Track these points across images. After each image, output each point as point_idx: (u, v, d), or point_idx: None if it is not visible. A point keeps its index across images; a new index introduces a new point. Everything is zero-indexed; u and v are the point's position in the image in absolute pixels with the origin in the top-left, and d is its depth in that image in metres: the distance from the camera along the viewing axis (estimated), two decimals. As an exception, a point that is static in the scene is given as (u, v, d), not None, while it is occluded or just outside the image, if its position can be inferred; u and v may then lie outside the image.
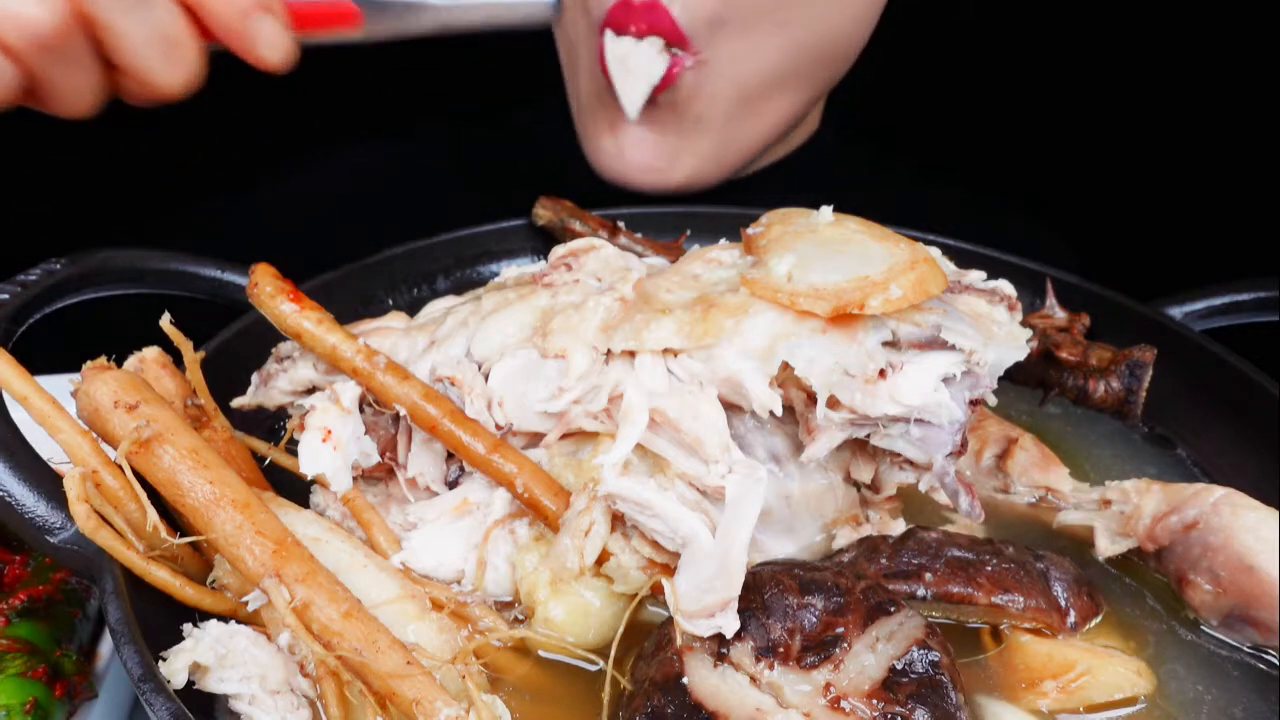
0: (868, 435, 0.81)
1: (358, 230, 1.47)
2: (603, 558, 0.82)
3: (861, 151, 1.70)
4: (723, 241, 0.99)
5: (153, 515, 0.74)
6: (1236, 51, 1.86)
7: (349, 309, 1.14)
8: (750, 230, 0.91)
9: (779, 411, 0.79)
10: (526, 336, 0.90)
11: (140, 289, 1.09)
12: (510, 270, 1.09)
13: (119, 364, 0.85)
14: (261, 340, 1.00)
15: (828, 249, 0.82)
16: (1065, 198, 1.96)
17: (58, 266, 1.00)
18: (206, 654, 0.72)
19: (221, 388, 0.94)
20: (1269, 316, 1.20)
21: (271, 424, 1.04)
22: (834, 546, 0.88)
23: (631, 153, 1.35)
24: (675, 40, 1.24)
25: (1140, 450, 1.10)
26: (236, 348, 1.03)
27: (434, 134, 1.81)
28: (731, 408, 0.82)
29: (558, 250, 0.99)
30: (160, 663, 0.71)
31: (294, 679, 0.74)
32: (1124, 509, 0.93)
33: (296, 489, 0.91)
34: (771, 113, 1.40)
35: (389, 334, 0.97)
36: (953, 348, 0.78)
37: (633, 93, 1.28)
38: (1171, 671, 0.83)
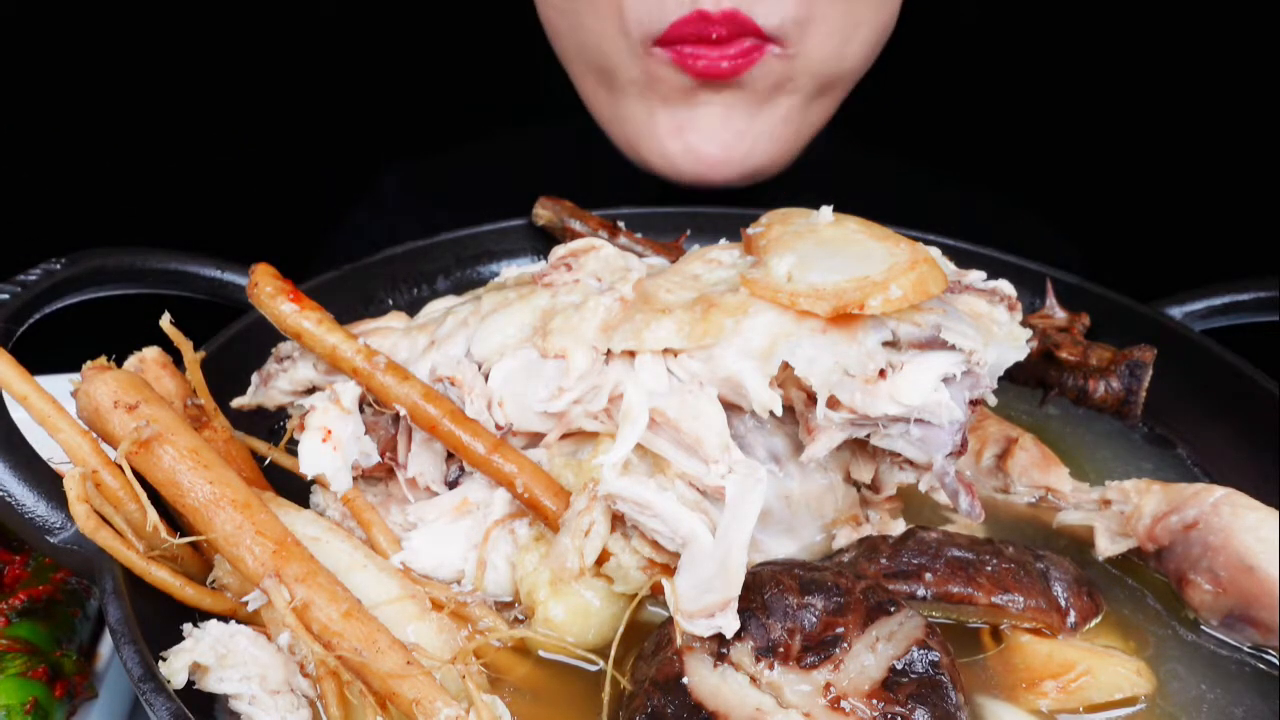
0: (868, 435, 0.81)
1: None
2: (603, 558, 0.82)
3: (861, 152, 1.70)
4: (723, 241, 0.99)
5: (153, 515, 0.74)
6: (1237, 51, 1.86)
7: (349, 309, 1.14)
8: (750, 230, 0.91)
9: (779, 411, 0.79)
10: (526, 336, 0.90)
11: (140, 289, 1.09)
12: (510, 270, 1.09)
13: (119, 364, 0.85)
14: (261, 340, 1.00)
15: (828, 249, 0.82)
16: (1066, 198, 1.96)
17: (58, 266, 1.00)
18: (206, 654, 0.72)
19: (221, 388, 0.94)
20: (1269, 316, 1.20)
21: (271, 424, 1.04)
22: (834, 546, 0.88)
23: (708, 146, 1.32)
24: (760, 38, 1.24)
25: (1140, 450, 1.10)
26: (236, 348, 1.03)
27: (441, 149, 1.82)
28: (731, 408, 0.82)
29: (558, 250, 0.99)
30: (160, 663, 0.71)
31: (294, 679, 0.74)
32: (1124, 509, 0.93)
33: (296, 489, 0.91)
34: (831, 102, 1.41)
35: (389, 334, 0.97)
36: (953, 348, 0.78)
37: None
38: (1172, 671, 0.83)
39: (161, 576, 0.75)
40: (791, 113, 1.35)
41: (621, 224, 1.23)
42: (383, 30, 2.18)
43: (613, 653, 0.75)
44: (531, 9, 1.43)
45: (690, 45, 1.24)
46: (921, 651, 0.73)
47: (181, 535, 0.76)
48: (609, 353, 0.85)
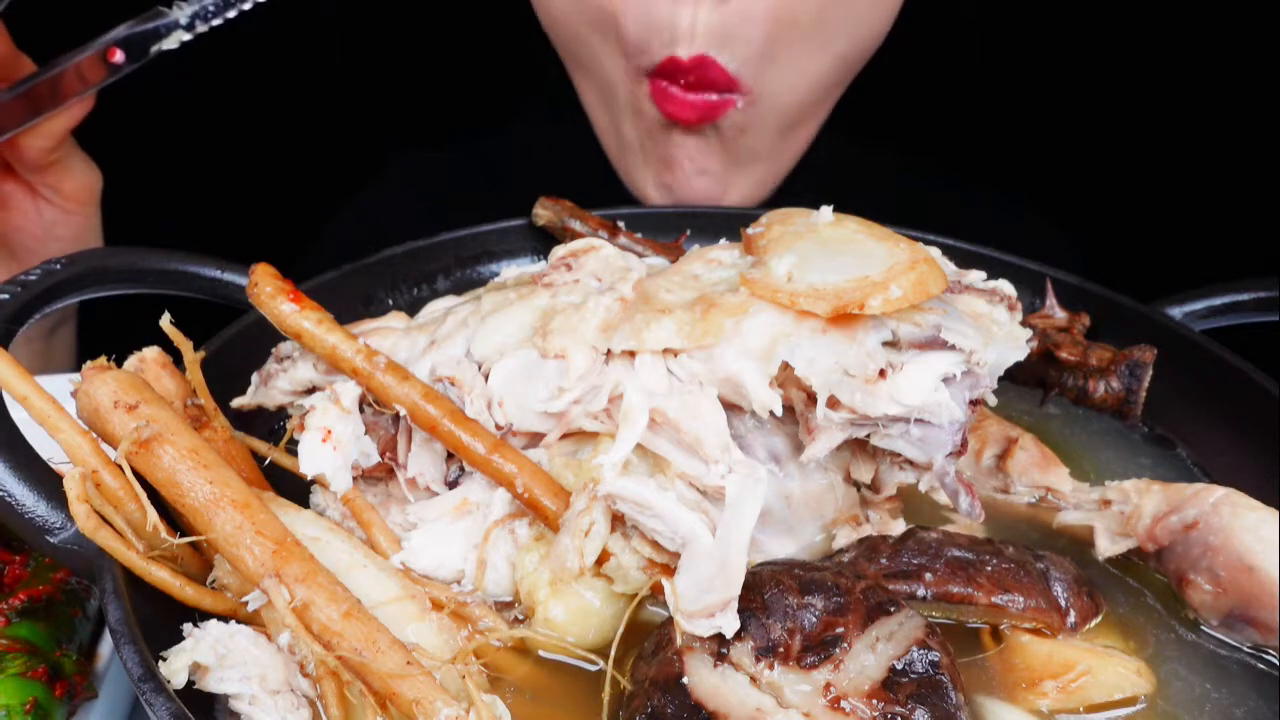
0: (868, 435, 0.81)
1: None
2: (603, 558, 0.82)
3: (862, 152, 1.70)
4: (723, 241, 0.99)
5: (153, 515, 0.74)
6: (1237, 51, 1.86)
7: (349, 309, 1.14)
8: (750, 230, 0.91)
9: (779, 411, 0.79)
10: (526, 337, 0.90)
11: (140, 289, 1.09)
12: (510, 270, 1.09)
13: (119, 364, 0.85)
14: (261, 340, 1.00)
15: (828, 249, 0.82)
16: (1066, 197, 1.95)
17: (58, 266, 1.00)
18: (206, 654, 0.71)
19: (221, 388, 0.94)
20: (1269, 316, 1.20)
21: (271, 424, 1.04)
22: (834, 546, 0.88)
23: (686, 189, 1.37)
24: (728, 89, 1.26)
25: (1140, 450, 1.10)
26: (236, 348, 1.03)
27: (440, 146, 1.82)
28: (731, 408, 0.82)
29: (558, 250, 0.99)
30: (160, 663, 0.71)
31: (294, 679, 0.74)
32: (1124, 509, 0.93)
33: (296, 489, 0.91)
34: (812, 125, 1.42)
35: (389, 334, 0.97)
36: (953, 348, 0.78)
37: None
38: (1172, 671, 0.83)
39: (161, 576, 0.75)
40: (765, 154, 1.37)
41: (621, 224, 1.23)
42: (386, 27, 2.17)
43: (613, 653, 0.75)
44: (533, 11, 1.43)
45: (667, 83, 1.27)
46: (921, 651, 0.73)
47: (181, 535, 0.76)
48: (609, 353, 0.85)
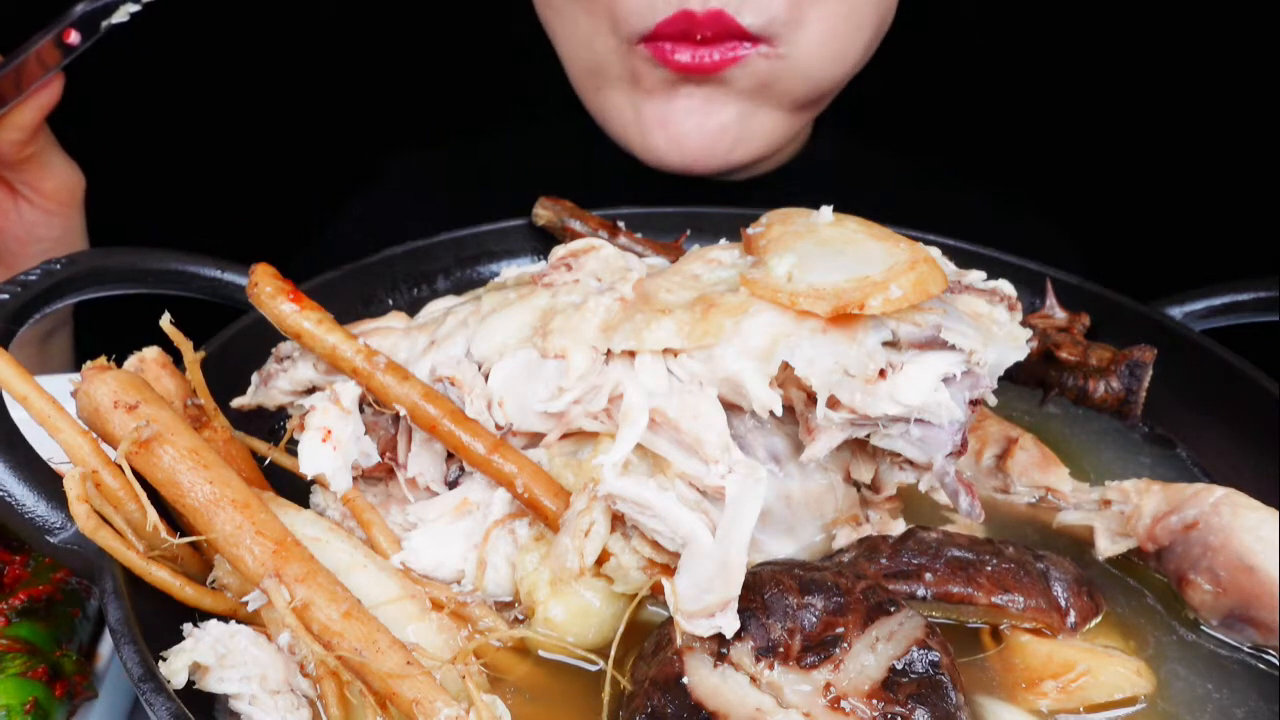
0: (868, 435, 0.81)
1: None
2: (603, 558, 0.82)
3: (862, 151, 1.70)
4: (723, 241, 0.99)
5: (153, 515, 0.74)
6: (1237, 51, 1.86)
7: (349, 309, 1.14)
8: (750, 230, 0.91)
9: (779, 411, 0.79)
10: (526, 337, 0.90)
11: (140, 289, 1.09)
12: (510, 270, 1.09)
13: (119, 364, 0.85)
14: (261, 340, 1.00)
15: (828, 249, 0.82)
16: (1066, 197, 1.96)
17: (58, 266, 1.00)
18: (206, 654, 0.71)
19: (221, 388, 0.94)
20: (1269, 316, 1.20)
21: (271, 424, 1.04)
22: (834, 546, 0.88)
23: (696, 137, 1.33)
24: (747, 39, 1.24)
25: (1140, 450, 1.10)
26: (236, 348, 1.03)
27: (439, 146, 1.82)
28: (731, 408, 0.82)
29: (558, 250, 0.99)
30: (160, 663, 0.71)
31: (294, 679, 0.74)
32: (1124, 509, 0.93)
33: (296, 489, 0.91)
34: (824, 103, 1.41)
35: (389, 334, 0.97)
36: (953, 348, 0.78)
37: None
38: (1172, 671, 0.83)
39: (161, 576, 0.75)
40: (778, 116, 1.35)
41: (621, 224, 1.23)
42: (385, 26, 2.18)
43: (613, 653, 0.75)
44: (534, 9, 1.43)
45: (672, 43, 1.24)
46: (921, 651, 0.73)
47: (181, 535, 0.76)
48: (609, 353, 0.85)
